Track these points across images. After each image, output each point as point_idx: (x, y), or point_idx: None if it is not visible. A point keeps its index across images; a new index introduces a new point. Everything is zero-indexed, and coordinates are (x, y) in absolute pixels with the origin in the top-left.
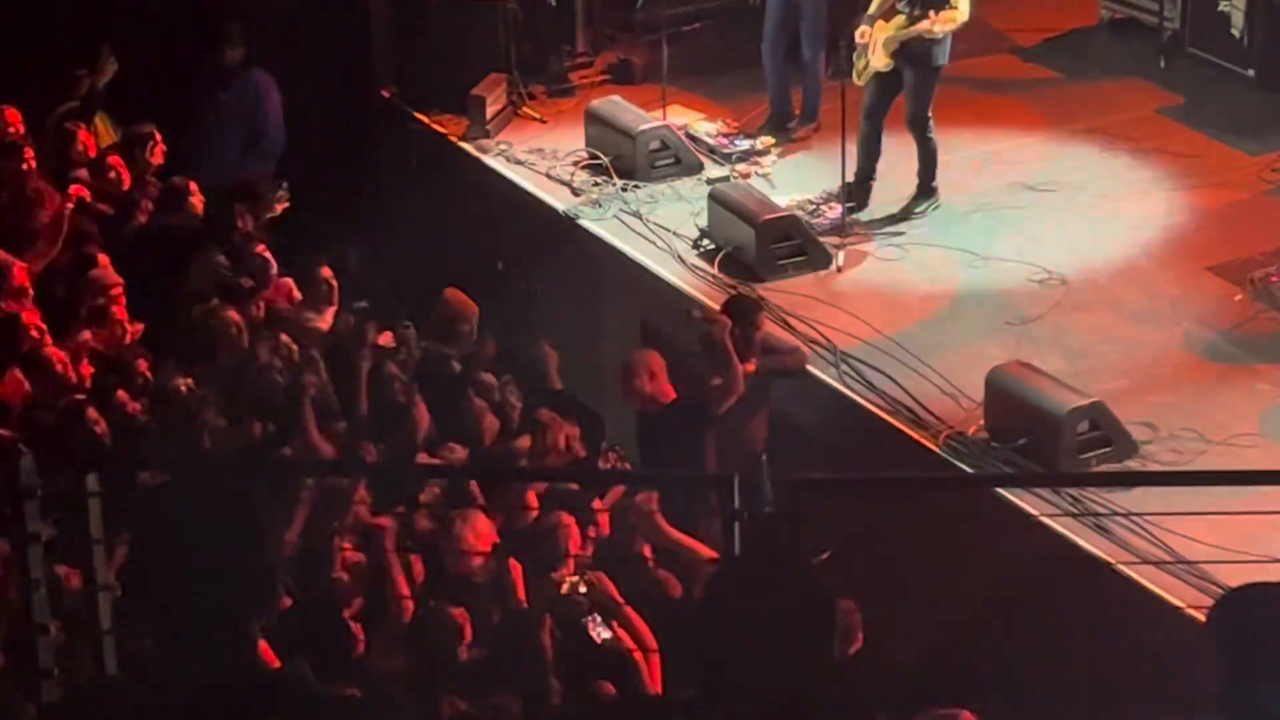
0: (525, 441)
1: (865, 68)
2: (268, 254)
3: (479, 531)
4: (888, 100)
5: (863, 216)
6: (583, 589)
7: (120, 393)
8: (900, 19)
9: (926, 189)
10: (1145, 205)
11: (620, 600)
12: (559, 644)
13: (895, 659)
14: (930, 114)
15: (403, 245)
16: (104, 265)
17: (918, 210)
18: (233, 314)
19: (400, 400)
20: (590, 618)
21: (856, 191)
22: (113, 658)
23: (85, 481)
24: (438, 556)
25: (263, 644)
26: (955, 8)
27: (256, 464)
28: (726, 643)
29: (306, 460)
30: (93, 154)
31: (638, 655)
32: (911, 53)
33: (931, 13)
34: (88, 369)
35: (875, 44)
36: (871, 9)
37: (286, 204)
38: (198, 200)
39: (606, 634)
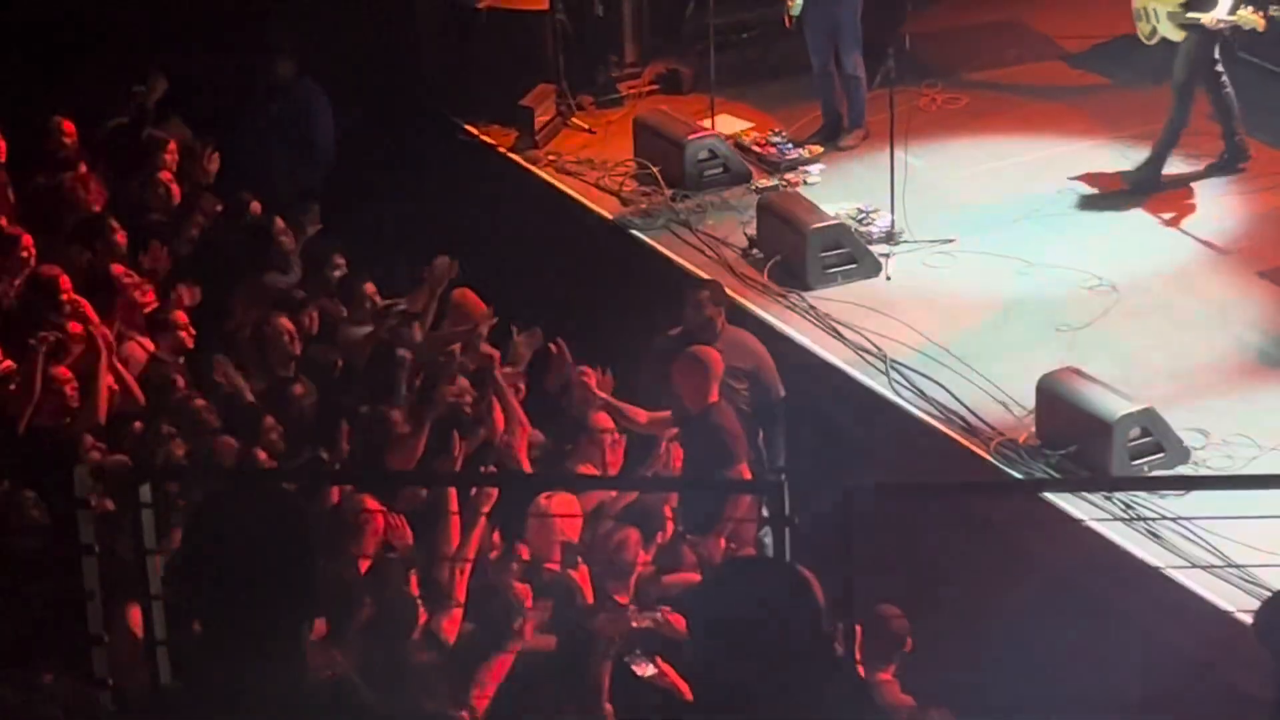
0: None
1: (1152, 33)
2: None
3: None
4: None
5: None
6: (650, 624)
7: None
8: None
9: (1158, 162)
10: (1196, 210)
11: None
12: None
13: (942, 662)
14: (1194, 80)
15: (452, 256)
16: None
17: (1146, 185)
18: (285, 321)
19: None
20: (633, 654)
21: (1229, 147)
22: (167, 667)
23: (138, 493)
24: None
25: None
26: None
27: (303, 473)
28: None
29: (343, 470)
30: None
31: (684, 688)
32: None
33: (1206, 3)
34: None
35: (1158, 12)
36: None
37: (319, 226)
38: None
39: (651, 670)
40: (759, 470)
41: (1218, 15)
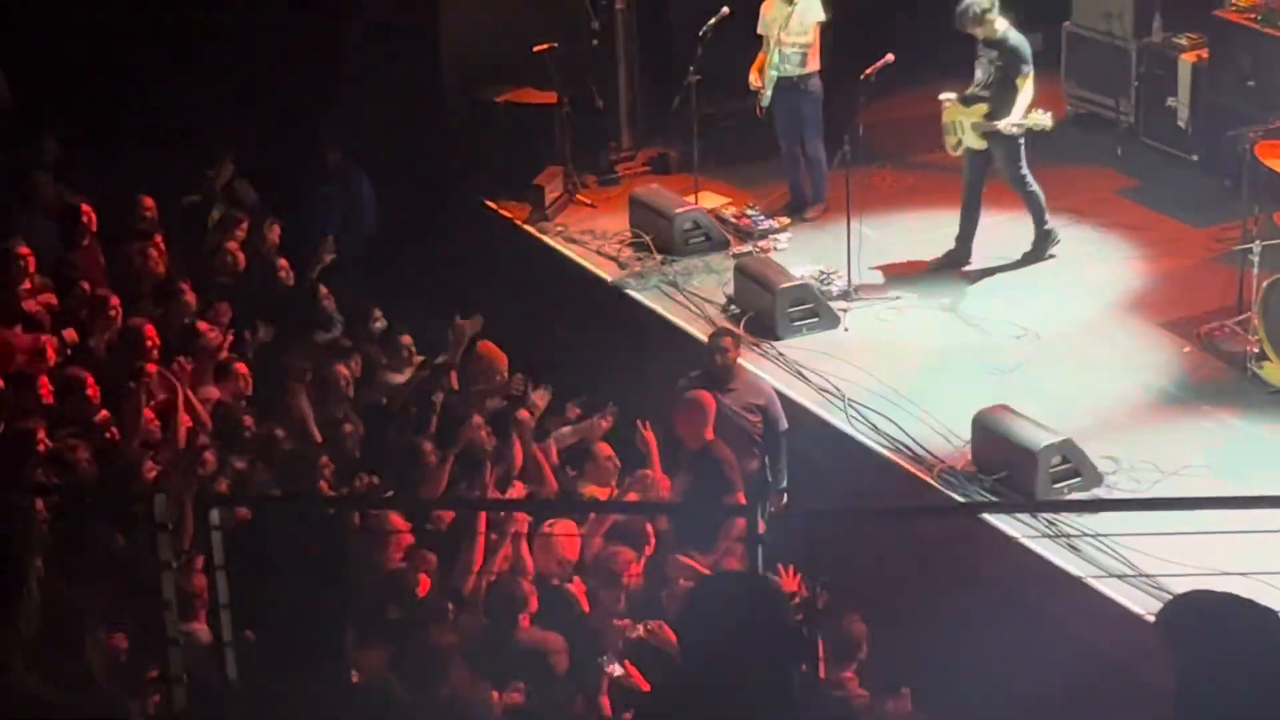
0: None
1: (958, 143)
2: (381, 319)
3: (568, 541)
4: (984, 172)
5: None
6: (643, 634)
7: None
8: (982, 107)
9: (1042, 232)
10: (1107, 271)
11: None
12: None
13: (896, 661)
14: (1025, 170)
15: (474, 313)
16: (205, 327)
17: (1043, 252)
18: (343, 369)
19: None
20: (603, 658)
21: (959, 249)
22: (233, 665)
23: (209, 517)
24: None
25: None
26: (1020, 87)
27: (349, 499)
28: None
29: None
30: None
31: (645, 687)
32: (995, 132)
33: (1004, 112)
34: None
35: (964, 125)
36: (967, 92)
37: (332, 255)
38: (287, 276)
39: (619, 670)
40: (764, 488)
41: (1012, 120)
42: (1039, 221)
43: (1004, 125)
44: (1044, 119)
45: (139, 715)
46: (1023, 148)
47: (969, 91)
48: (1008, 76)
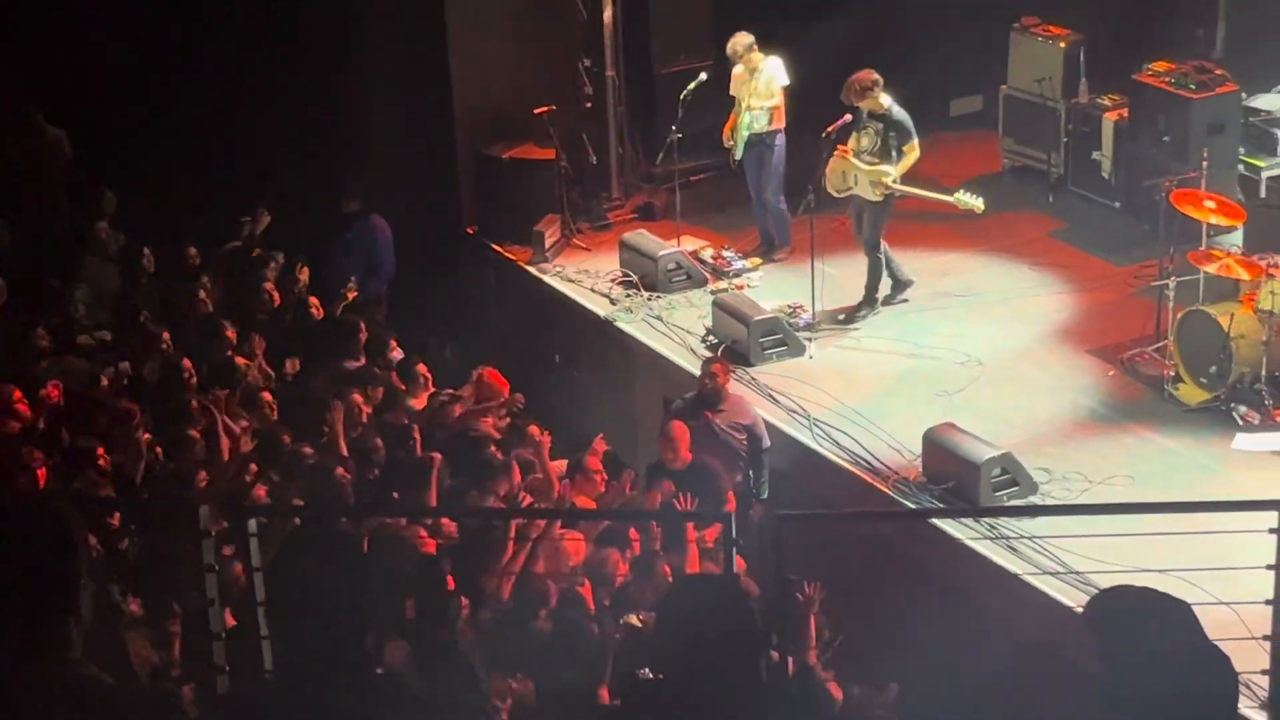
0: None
1: (847, 190)
2: (398, 349)
3: (574, 545)
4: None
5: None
6: (638, 623)
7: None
8: (885, 171)
9: (870, 299)
10: (1039, 305)
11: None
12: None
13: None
14: (881, 238)
15: (485, 343)
16: (242, 362)
17: (854, 317)
18: (356, 397)
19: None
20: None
21: (898, 285)
22: (269, 658)
23: (247, 525)
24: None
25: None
26: (908, 155)
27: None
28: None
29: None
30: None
31: None
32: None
33: (892, 168)
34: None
35: (858, 177)
36: (850, 144)
37: (355, 292)
38: (317, 312)
39: (649, 675)
40: (748, 499)
41: (896, 174)
42: (872, 288)
43: (893, 181)
44: (976, 202)
45: (185, 701)
46: (888, 216)
47: (855, 152)
48: (898, 145)
